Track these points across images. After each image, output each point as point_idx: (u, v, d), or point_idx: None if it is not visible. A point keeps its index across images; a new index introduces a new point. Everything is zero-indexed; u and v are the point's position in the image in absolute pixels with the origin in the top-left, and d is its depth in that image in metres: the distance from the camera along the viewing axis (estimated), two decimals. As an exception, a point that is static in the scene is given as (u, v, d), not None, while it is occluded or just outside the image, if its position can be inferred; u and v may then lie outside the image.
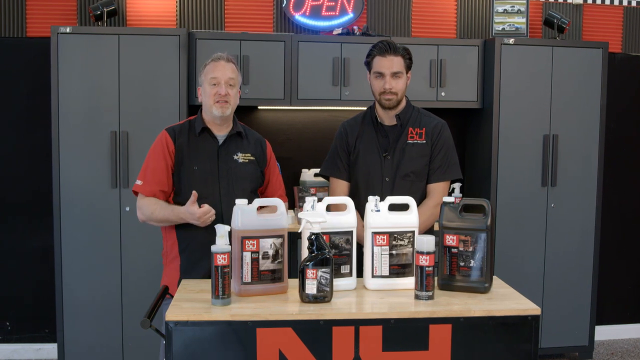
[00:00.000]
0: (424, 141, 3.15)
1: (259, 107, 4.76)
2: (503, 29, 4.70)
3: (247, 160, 3.05)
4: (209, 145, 3.00)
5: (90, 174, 4.22)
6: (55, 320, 4.28)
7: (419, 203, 3.13)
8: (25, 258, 4.71)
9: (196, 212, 2.76)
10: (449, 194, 4.64)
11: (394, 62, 3.09)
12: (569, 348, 4.78)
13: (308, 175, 4.77)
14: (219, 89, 2.93)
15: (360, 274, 2.60)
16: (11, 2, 4.58)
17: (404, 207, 2.60)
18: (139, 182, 2.97)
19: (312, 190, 4.70)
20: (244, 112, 4.68)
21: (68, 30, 4.14)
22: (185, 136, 3.00)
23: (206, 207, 2.77)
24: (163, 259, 3.08)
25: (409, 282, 2.48)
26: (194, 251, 2.90)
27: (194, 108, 4.44)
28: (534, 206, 4.62)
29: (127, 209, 4.18)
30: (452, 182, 3.32)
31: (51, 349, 4.64)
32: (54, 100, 4.16)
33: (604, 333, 5.21)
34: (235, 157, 3.03)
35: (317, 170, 4.63)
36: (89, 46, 4.17)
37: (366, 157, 3.19)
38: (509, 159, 4.56)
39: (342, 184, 3.25)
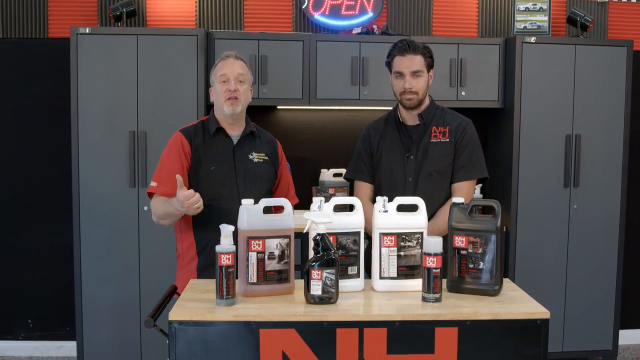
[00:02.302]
0: (448, 139, 3.12)
1: (278, 107, 4.75)
2: (525, 27, 4.63)
3: (261, 160, 3.04)
4: (224, 145, 3.00)
5: (109, 173, 4.25)
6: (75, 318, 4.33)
7: (443, 203, 3.12)
8: (46, 257, 4.76)
9: (178, 196, 2.65)
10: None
11: (413, 61, 3.06)
12: (592, 352, 4.69)
13: (327, 175, 4.76)
14: (229, 85, 2.92)
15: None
16: (33, 3, 4.64)
17: (414, 208, 2.57)
18: (153, 184, 2.95)
19: (331, 191, 4.69)
20: (262, 112, 4.69)
21: (87, 30, 4.17)
22: (200, 137, 2.99)
23: (190, 191, 2.66)
24: (178, 261, 3.07)
25: (417, 283, 2.43)
26: (212, 252, 2.83)
27: (211, 108, 4.46)
28: (556, 207, 4.54)
29: (146, 208, 4.20)
30: (478, 181, 3.27)
31: (72, 346, 4.66)
32: (73, 101, 4.20)
33: (629, 337, 5.10)
34: (250, 156, 3.02)
35: (337, 170, 4.68)
36: (108, 46, 4.20)
37: (389, 157, 3.17)
38: (531, 159, 4.49)
39: (366, 187, 3.23)
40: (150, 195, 2.99)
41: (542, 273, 4.54)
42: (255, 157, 3.02)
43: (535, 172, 4.51)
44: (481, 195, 4.68)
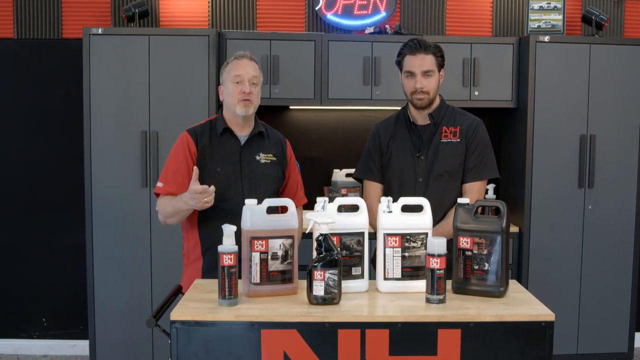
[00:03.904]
0: (458, 140, 3.09)
1: (290, 107, 4.75)
2: (539, 26, 4.58)
3: (269, 161, 3.02)
4: (231, 146, 2.99)
5: (121, 173, 4.27)
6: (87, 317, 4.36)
7: (454, 203, 3.08)
8: (60, 256, 4.80)
9: (192, 188, 2.68)
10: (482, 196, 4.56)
11: (424, 61, 3.03)
12: (607, 355, 4.63)
13: (339, 175, 4.74)
14: (243, 87, 2.90)
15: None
16: (47, 4, 4.68)
17: (419, 209, 2.55)
18: (159, 184, 2.96)
19: (344, 191, 4.67)
20: (274, 112, 4.69)
21: (99, 31, 4.20)
22: (207, 137, 2.98)
23: (204, 186, 2.69)
24: (184, 260, 3.08)
25: (422, 285, 2.40)
26: (216, 253, 2.81)
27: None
28: (570, 208, 4.49)
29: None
30: (489, 181, 3.24)
31: (85, 345, 4.68)
32: (85, 101, 4.23)
33: (645, 340, 5.04)
34: (258, 157, 3.01)
35: (349, 171, 4.67)
36: (120, 47, 4.23)
37: (399, 157, 3.14)
38: (545, 160, 4.45)
39: (376, 186, 3.21)
40: (157, 195, 3.00)
41: (556, 274, 4.50)
42: (262, 157, 3.01)
43: (549, 172, 4.46)
44: (494, 196, 4.63)
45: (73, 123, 4.60)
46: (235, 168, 2.96)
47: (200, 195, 2.66)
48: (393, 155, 3.15)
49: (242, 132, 3.01)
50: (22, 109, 4.75)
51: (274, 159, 3.05)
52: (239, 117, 2.95)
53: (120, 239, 4.29)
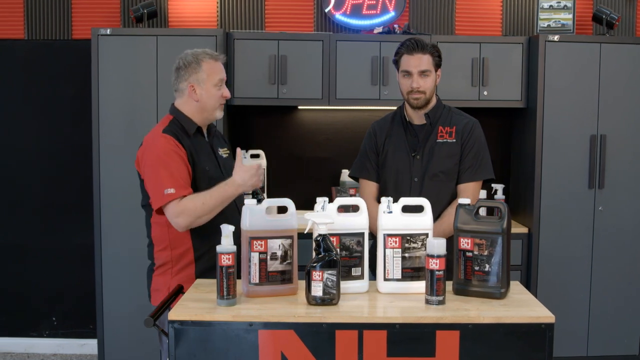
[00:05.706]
0: (454, 140, 3.07)
1: (299, 107, 4.74)
2: (548, 25, 4.54)
3: (227, 155, 3.07)
4: (204, 145, 2.95)
5: (129, 173, 4.22)
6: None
7: (448, 204, 3.07)
8: (70, 255, 4.84)
9: (248, 167, 2.73)
10: (491, 196, 4.54)
11: (421, 61, 3.01)
12: (617, 357, 4.58)
13: (347, 175, 4.72)
14: (224, 91, 2.92)
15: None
16: (57, 5, 4.71)
17: (419, 209, 2.53)
18: (172, 190, 2.69)
19: (352, 191, 4.66)
20: (283, 112, 4.69)
21: (108, 32, 4.22)
22: (184, 138, 2.86)
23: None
24: (161, 269, 2.93)
25: (422, 285, 2.39)
26: (212, 257, 2.48)
27: (231, 108, 4.47)
28: (580, 209, 4.44)
29: (165, 208, 4.22)
30: (485, 182, 3.22)
31: (95, 344, 4.71)
32: (94, 101, 4.25)
33: (657, 342, 4.98)
34: (220, 152, 3.03)
35: (357, 171, 4.64)
36: (128, 47, 4.25)
37: (395, 157, 3.12)
38: (555, 160, 4.40)
39: (371, 185, 3.19)
40: (160, 209, 2.77)
41: (566, 276, 4.45)
42: (222, 152, 3.03)
43: (559, 173, 4.42)
44: (504, 197, 4.62)
45: (82, 123, 4.63)
46: (216, 165, 2.95)
47: (260, 170, 2.76)
48: (389, 155, 3.14)
49: (204, 131, 2.99)
50: (31, 109, 4.79)
51: (228, 152, 3.10)
52: (212, 119, 2.96)
53: (129, 239, 4.29)
